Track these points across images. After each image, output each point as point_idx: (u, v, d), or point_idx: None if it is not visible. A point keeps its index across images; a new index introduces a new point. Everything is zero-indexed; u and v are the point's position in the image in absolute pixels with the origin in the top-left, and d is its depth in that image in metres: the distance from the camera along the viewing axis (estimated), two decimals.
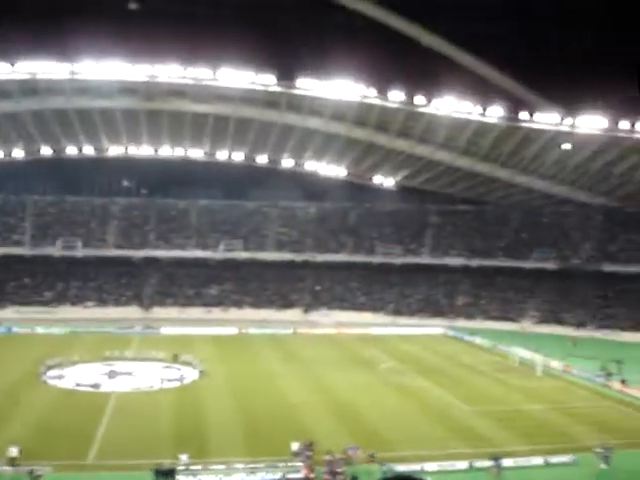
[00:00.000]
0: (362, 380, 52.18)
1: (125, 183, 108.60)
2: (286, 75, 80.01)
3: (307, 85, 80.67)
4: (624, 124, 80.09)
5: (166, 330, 75.50)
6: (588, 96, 74.63)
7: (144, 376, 51.30)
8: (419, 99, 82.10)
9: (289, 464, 30.01)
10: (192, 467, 29.51)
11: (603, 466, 31.55)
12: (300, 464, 29.84)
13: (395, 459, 31.17)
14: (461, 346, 72.54)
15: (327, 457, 29.74)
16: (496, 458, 31.19)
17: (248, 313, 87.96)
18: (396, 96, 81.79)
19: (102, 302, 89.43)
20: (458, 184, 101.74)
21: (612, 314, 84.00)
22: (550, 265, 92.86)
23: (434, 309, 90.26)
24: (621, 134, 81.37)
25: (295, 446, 31.54)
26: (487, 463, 31.16)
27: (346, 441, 33.10)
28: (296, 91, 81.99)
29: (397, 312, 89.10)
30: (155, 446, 33.20)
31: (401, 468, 30.04)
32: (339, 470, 28.90)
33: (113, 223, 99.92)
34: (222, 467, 29.92)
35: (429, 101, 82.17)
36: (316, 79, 79.91)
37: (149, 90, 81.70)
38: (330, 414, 41.12)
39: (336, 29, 75.87)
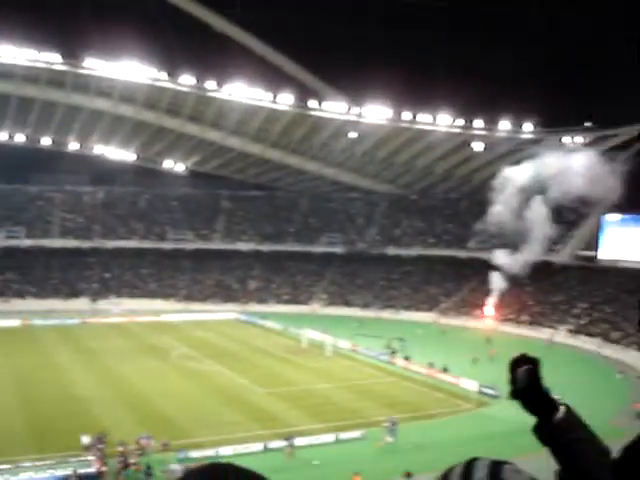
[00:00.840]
0: (154, 368, 51.24)
1: None
2: (72, 54, 76.45)
3: (94, 65, 77.55)
4: (406, 115, 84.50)
5: None
6: (374, 87, 77.85)
7: None
8: (210, 84, 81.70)
9: (80, 458, 28.88)
10: None
11: (390, 439, 33.24)
12: (92, 458, 28.82)
13: (190, 446, 30.99)
14: (253, 330, 73.29)
15: (120, 448, 28.95)
16: (289, 438, 31.92)
17: (32, 303, 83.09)
18: (187, 80, 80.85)
19: None
20: (249, 170, 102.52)
21: (395, 295, 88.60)
22: (338, 249, 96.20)
23: (226, 294, 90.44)
24: (404, 124, 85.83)
25: (86, 439, 30.39)
26: (281, 443, 31.81)
27: (139, 431, 32.41)
28: (82, 71, 78.58)
29: (189, 298, 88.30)
30: None
31: (196, 454, 29.91)
32: (133, 461, 28.27)
33: None
34: (8, 467, 28.20)
35: (220, 86, 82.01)
36: (104, 59, 77.04)
37: None
38: (121, 404, 40.04)
39: (126, 10, 73.53)
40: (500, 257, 76.79)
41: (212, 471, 1.74)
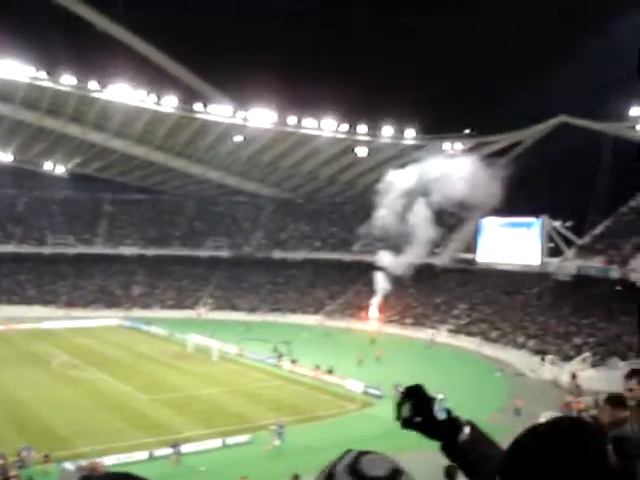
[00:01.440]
0: (35, 377, 49.37)
1: None
2: None
3: None
4: (292, 119, 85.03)
5: None
6: (259, 91, 77.89)
7: None
8: (93, 84, 79.65)
9: None
10: None
11: (277, 442, 33.33)
12: None
13: (73, 456, 30.07)
14: (138, 336, 71.84)
15: (0, 461, 27.79)
16: (175, 445, 31.50)
17: None
18: (68, 80, 78.50)
19: None
20: (133, 173, 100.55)
21: (281, 299, 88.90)
22: (224, 253, 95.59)
23: (109, 300, 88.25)
24: (289, 129, 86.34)
25: None
26: (167, 450, 31.35)
27: (19, 442, 31.18)
28: None
29: (70, 304, 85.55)
30: None
31: (72, 467, 29.03)
32: (13, 473, 27.18)
33: None
34: None
35: (103, 87, 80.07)
36: None
37: None
38: (0, 415, 38.45)
39: (2, 7, 70.57)
40: (384, 259, 78.50)
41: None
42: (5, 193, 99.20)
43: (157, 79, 79.81)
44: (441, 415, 2.35)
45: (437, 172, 77.86)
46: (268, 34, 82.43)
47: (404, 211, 76.66)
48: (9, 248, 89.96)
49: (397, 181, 79.44)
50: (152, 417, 38.78)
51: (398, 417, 2.32)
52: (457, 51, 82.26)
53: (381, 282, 79.77)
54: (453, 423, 2.35)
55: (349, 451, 1.80)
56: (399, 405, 2.34)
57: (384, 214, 77.15)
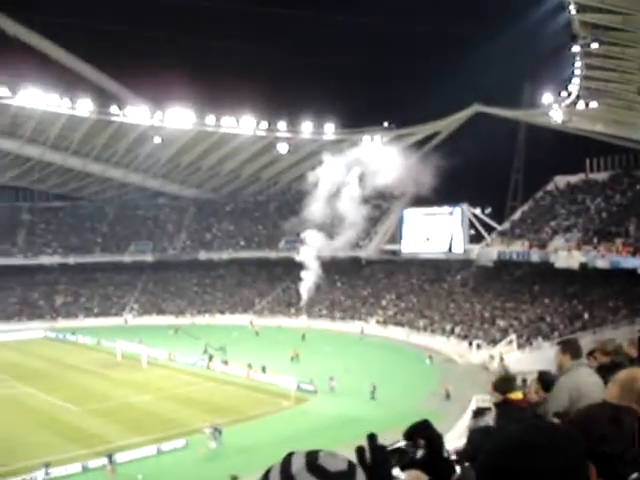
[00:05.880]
0: None
1: None
2: None
3: None
4: (210, 119, 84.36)
5: None
6: (176, 91, 77.05)
7: None
8: (2, 90, 77.31)
9: None
10: None
11: (213, 445, 33.17)
12: None
13: (4, 474, 29.28)
14: (64, 347, 70.21)
15: None
16: (110, 455, 31.02)
17: None
18: None
19: None
20: (50, 180, 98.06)
21: (209, 300, 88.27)
22: (148, 257, 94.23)
23: (32, 311, 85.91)
24: (208, 128, 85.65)
25: None
26: (101, 461, 30.84)
27: None
28: None
29: None
30: None
31: None
32: None
33: None
34: None
35: (14, 92, 77.76)
36: None
37: None
38: None
39: None
40: (310, 254, 78.77)
41: None
42: None
43: (70, 83, 78.00)
44: (444, 452, 2.35)
45: (359, 165, 78.77)
46: (179, 33, 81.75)
47: (328, 205, 77.13)
48: None
49: (320, 176, 79.85)
50: (84, 428, 38.05)
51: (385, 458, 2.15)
52: (365, 46, 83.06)
53: (308, 278, 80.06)
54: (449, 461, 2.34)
55: (291, 453, 1.81)
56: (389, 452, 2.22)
57: (310, 208, 77.43)
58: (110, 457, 30.81)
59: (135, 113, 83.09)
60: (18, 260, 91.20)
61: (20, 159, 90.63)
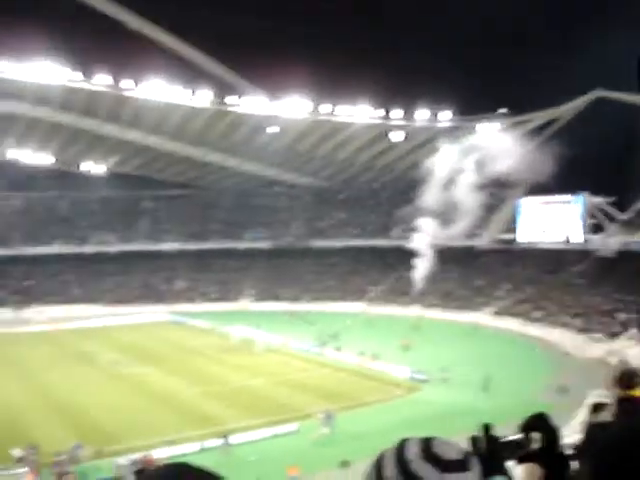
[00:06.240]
0: (82, 375, 50.19)
1: None
2: None
3: (4, 67, 75.32)
4: (326, 107, 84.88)
5: None
6: (292, 80, 77.85)
7: None
8: (127, 83, 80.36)
9: (11, 472, 28.19)
10: None
11: (325, 430, 33.49)
12: (24, 470, 28.17)
13: (123, 451, 30.53)
14: (183, 331, 72.62)
15: (55, 458, 28.39)
16: (225, 436, 31.82)
17: None
18: (103, 79, 79.35)
19: None
20: (171, 169, 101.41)
21: (322, 287, 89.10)
22: (264, 244, 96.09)
23: (154, 296, 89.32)
24: (323, 117, 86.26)
25: (17, 452, 29.67)
26: (217, 442, 31.69)
27: (70, 439, 31.78)
28: None
29: (115, 302, 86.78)
30: None
31: (127, 461, 29.50)
32: (68, 470, 27.75)
33: None
34: None
35: (137, 85, 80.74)
36: (12, 61, 74.89)
37: None
38: (51, 414, 39.13)
39: (36, 10, 71.42)
40: (424, 243, 78.02)
41: (168, 471, 1.78)
42: (47, 195, 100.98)
43: (190, 74, 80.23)
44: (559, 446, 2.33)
45: (475, 152, 77.29)
46: (297, 23, 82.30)
47: (443, 193, 76.11)
48: (53, 249, 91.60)
49: (435, 163, 78.86)
50: (201, 409, 39.22)
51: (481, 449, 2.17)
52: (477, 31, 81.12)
53: (422, 267, 79.33)
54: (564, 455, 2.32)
55: (405, 439, 1.81)
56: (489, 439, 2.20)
57: (423, 197, 76.67)
58: (226, 438, 31.61)
59: (252, 103, 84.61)
60: (140, 246, 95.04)
61: (143, 149, 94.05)
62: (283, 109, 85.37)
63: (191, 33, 76.82)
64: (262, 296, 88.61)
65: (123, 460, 27.49)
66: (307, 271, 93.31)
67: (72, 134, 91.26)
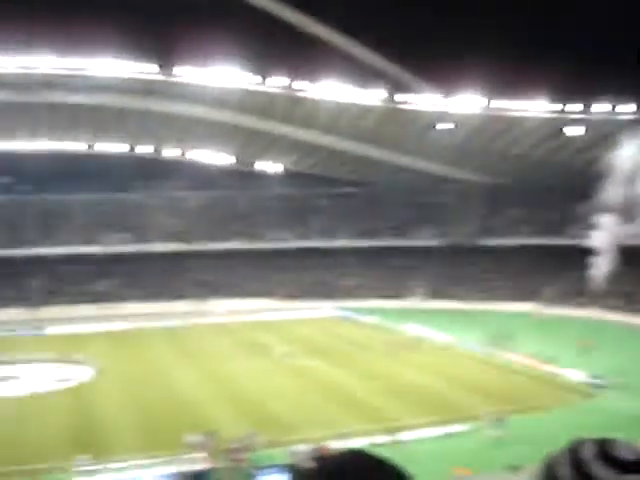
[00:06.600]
0: (258, 366, 52.17)
1: None
2: (165, 63, 78.55)
3: (187, 73, 79.52)
4: (500, 103, 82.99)
5: (53, 329, 72.64)
6: (465, 76, 76.68)
7: (32, 378, 49.37)
8: (301, 84, 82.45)
9: (189, 456, 29.83)
10: (89, 467, 28.86)
11: (499, 433, 32.89)
12: (202, 455, 29.73)
13: (295, 441, 31.49)
14: (353, 326, 73.61)
15: (231, 445, 29.77)
16: (393, 432, 32.04)
17: (139, 307, 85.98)
18: (278, 82, 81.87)
19: None
20: (344, 167, 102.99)
21: (494, 286, 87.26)
22: (435, 242, 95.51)
23: (325, 291, 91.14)
24: (497, 113, 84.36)
25: (195, 438, 31.33)
26: (386, 438, 31.96)
27: (246, 428, 33.14)
28: (176, 79, 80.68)
29: (289, 296, 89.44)
30: (51, 449, 32.29)
31: (303, 449, 30.38)
32: (243, 457, 29.01)
33: None
34: (120, 465, 29.46)
35: (310, 86, 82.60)
36: (196, 66, 78.90)
37: (23, 81, 78.40)
38: (227, 403, 41.06)
39: (215, 15, 74.92)
40: (603, 241, 74.41)
41: (350, 458, 1.87)
42: (227, 194, 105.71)
43: (361, 73, 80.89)
44: None
45: None
46: (470, 18, 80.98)
47: (625, 189, 72.29)
48: (230, 245, 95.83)
49: (616, 158, 75.04)
50: (371, 404, 39.69)
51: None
52: None
53: (600, 266, 75.73)
54: None
55: (581, 439, 1.78)
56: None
57: (602, 193, 73.18)
58: (395, 434, 31.82)
59: (425, 100, 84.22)
60: (314, 243, 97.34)
61: (316, 148, 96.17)
62: (456, 105, 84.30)
63: (363, 33, 77.54)
64: (433, 294, 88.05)
65: (299, 448, 28.37)
66: (478, 270, 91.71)
67: (250, 135, 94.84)
